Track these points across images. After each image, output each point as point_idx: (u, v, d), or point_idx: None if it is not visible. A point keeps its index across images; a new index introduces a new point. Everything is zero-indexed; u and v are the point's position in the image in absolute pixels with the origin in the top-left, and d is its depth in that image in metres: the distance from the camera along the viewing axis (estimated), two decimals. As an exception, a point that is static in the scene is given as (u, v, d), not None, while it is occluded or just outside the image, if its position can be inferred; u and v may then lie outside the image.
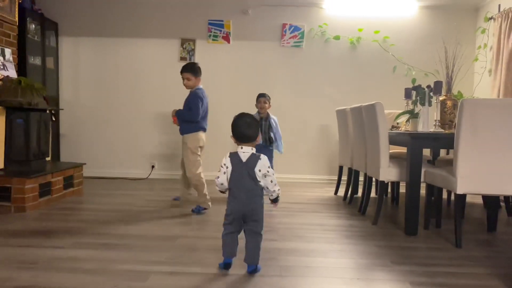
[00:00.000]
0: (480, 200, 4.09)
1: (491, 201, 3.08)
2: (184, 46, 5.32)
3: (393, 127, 3.66)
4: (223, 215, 2.13)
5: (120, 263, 2.20)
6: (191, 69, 3.35)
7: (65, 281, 1.95)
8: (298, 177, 5.33)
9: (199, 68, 3.41)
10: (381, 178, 3.17)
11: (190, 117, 3.34)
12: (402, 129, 3.48)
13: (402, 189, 3.98)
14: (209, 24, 5.29)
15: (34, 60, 4.77)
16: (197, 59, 5.27)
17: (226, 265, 2.12)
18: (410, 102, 3.57)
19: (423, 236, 2.89)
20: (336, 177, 4.67)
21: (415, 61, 5.21)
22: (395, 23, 5.26)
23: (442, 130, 3.19)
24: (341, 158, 4.47)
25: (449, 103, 3.33)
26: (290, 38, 5.29)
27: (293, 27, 5.28)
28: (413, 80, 5.06)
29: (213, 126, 4.99)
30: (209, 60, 5.28)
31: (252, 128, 2.09)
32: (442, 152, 4.35)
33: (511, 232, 3.10)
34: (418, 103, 3.39)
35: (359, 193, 4.08)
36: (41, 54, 4.91)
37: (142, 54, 5.36)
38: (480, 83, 5.05)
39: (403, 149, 3.70)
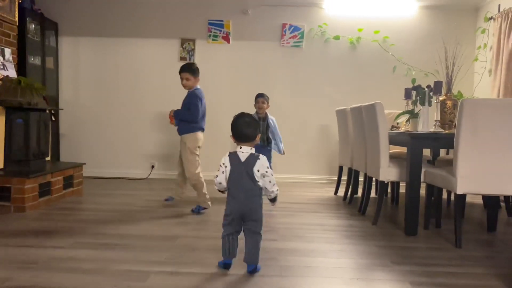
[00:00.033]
0: (480, 200, 4.09)
1: (491, 201, 3.08)
2: (184, 46, 5.32)
3: (393, 127, 3.66)
4: (223, 215, 2.13)
5: (120, 263, 2.19)
6: (190, 69, 3.36)
7: (65, 281, 1.95)
8: (298, 177, 5.33)
9: (197, 68, 3.42)
10: (381, 178, 3.17)
11: (190, 117, 3.34)
12: (402, 129, 3.48)
13: (402, 189, 3.98)
14: (209, 24, 5.29)
15: (34, 60, 4.76)
16: (197, 59, 5.28)
17: (226, 265, 2.12)
18: (410, 102, 3.57)
19: (423, 236, 2.89)
20: (336, 177, 4.67)
21: (415, 61, 5.21)
22: (395, 23, 5.26)
23: (442, 130, 3.19)
24: (341, 158, 4.47)
25: (449, 103, 3.33)
26: (290, 38, 5.29)
27: (293, 27, 5.27)
28: (413, 80, 5.06)
29: (213, 126, 5.00)
30: (209, 60, 5.28)
31: (251, 128, 2.09)
32: (442, 152, 4.35)
33: (511, 232, 3.10)
34: (418, 103, 3.39)
35: (359, 193, 4.08)
36: (41, 54, 4.91)
37: (142, 54, 5.36)
38: (480, 83, 5.05)
39: (403, 149, 3.70)
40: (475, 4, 5.14)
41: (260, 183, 2.07)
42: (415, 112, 3.31)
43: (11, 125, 3.55)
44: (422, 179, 2.98)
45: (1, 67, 3.80)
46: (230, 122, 2.14)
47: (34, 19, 4.74)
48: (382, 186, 3.22)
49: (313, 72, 5.33)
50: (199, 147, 3.42)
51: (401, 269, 2.20)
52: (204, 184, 3.42)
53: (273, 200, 2.19)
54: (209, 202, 3.46)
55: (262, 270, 2.12)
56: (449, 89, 3.40)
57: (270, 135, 4.09)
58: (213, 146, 5.09)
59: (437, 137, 2.96)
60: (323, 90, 5.33)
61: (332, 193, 4.52)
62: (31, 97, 3.59)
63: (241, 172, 2.05)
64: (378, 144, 3.16)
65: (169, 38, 5.31)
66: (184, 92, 3.47)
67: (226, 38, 5.30)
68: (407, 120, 3.40)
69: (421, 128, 3.19)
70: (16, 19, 4.19)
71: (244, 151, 2.08)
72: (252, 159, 2.06)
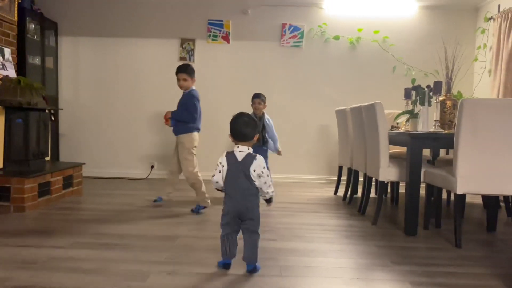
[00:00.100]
0: (480, 200, 4.09)
1: (490, 201, 3.08)
2: (183, 46, 5.32)
3: (392, 127, 3.66)
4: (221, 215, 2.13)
5: (120, 263, 2.19)
6: (188, 70, 3.38)
7: (64, 281, 1.95)
8: (298, 177, 5.33)
9: (193, 69, 3.45)
10: (381, 178, 3.17)
11: (188, 118, 3.37)
12: (402, 129, 3.48)
13: (402, 189, 3.98)
14: (209, 24, 5.29)
15: (34, 60, 4.76)
16: (197, 59, 5.28)
17: (225, 265, 2.12)
18: (409, 102, 3.57)
19: (422, 236, 2.89)
20: (335, 177, 4.67)
21: (415, 61, 5.21)
22: (394, 23, 5.26)
23: (442, 130, 3.19)
24: (341, 158, 4.47)
25: (448, 103, 3.33)
26: (289, 38, 5.29)
27: (292, 27, 5.27)
28: (413, 80, 5.06)
29: (212, 126, 5.01)
30: (209, 60, 5.29)
31: (249, 127, 2.09)
32: (442, 152, 4.35)
33: (511, 232, 3.10)
34: (417, 103, 3.39)
35: (359, 193, 4.08)
36: (41, 53, 4.91)
37: (142, 54, 5.35)
38: (480, 83, 5.05)
39: (403, 149, 3.70)
40: (475, 4, 5.14)
41: (256, 183, 2.07)
42: (415, 112, 3.31)
43: (11, 125, 3.55)
44: (422, 179, 2.97)
45: (1, 66, 3.79)
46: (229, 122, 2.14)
47: (34, 19, 4.74)
48: (382, 186, 3.22)
49: (313, 72, 5.33)
50: (195, 146, 3.45)
51: (401, 269, 2.20)
52: (202, 182, 3.44)
53: (268, 201, 2.19)
54: (209, 201, 3.47)
55: (261, 270, 2.12)
56: (448, 89, 3.40)
57: (266, 135, 4.07)
58: (213, 146, 5.10)
59: (437, 137, 2.96)
60: (323, 90, 5.32)
61: (331, 193, 4.52)
62: (31, 97, 3.58)
63: (238, 171, 2.05)
64: (378, 144, 3.16)
65: (169, 38, 5.31)
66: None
67: (226, 38, 5.30)
68: (407, 120, 3.40)
69: (421, 128, 3.19)
70: (16, 18, 4.19)
71: (242, 151, 2.08)
72: (249, 158, 2.06)
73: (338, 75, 5.33)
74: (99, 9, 5.32)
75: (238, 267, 2.12)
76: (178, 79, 3.39)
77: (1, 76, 3.68)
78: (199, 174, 3.44)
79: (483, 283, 2.05)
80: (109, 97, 5.38)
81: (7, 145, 3.55)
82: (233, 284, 1.95)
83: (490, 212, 3.07)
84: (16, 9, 4.19)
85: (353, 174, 4.10)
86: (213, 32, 5.29)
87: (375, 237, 2.82)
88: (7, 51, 3.98)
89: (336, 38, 5.25)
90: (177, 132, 3.44)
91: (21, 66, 4.42)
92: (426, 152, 4.17)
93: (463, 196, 3.34)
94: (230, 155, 2.09)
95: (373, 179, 3.84)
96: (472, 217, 3.56)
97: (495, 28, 4.67)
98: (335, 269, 2.20)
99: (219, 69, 5.31)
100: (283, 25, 5.28)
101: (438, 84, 3.15)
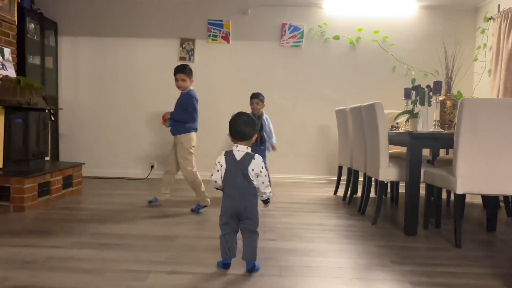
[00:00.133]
0: (479, 200, 4.09)
1: (490, 201, 3.08)
2: (183, 46, 5.31)
3: (392, 127, 3.66)
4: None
5: (119, 263, 2.19)
6: (186, 71, 3.40)
7: (64, 281, 1.95)
8: (298, 177, 5.33)
9: (191, 69, 3.46)
10: (381, 178, 3.17)
11: (187, 118, 3.39)
12: (402, 129, 3.48)
13: (402, 189, 3.98)
14: (209, 24, 5.29)
15: (33, 60, 4.76)
16: (197, 59, 5.28)
17: (225, 265, 2.12)
18: (409, 102, 3.57)
19: (422, 236, 2.89)
20: (335, 177, 4.67)
21: (415, 61, 5.21)
22: (394, 23, 5.26)
23: (442, 130, 3.19)
24: (341, 158, 4.47)
25: (448, 103, 3.33)
26: (289, 38, 5.29)
27: (292, 27, 5.27)
28: (413, 80, 5.06)
29: (212, 125, 5.01)
30: (209, 60, 5.28)
31: (249, 127, 2.09)
32: (442, 152, 4.35)
33: (510, 232, 3.10)
34: (417, 103, 3.39)
35: (359, 193, 4.08)
36: (40, 53, 4.90)
37: (142, 54, 5.35)
38: (480, 83, 5.05)
39: (403, 149, 3.70)
40: (475, 4, 5.14)
41: (254, 183, 2.07)
42: (414, 112, 3.31)
43: (10, 125, 3.55)
44: (421, 179, 2.97)
45: (1, 66, 3.79)
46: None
47: (34, 19, 4.73)
48: (381, 186, 3.22)
49: (312, 72, 5.33)
50: (193, 146, 3.47)
51: (400, 269, 2.20)
52: (201, 181, 3.45)
53: (265, 202, 2.18)
54: (208, 200, 3.48)
55: (261, 269, 2.12)
56: (448, 89, 3.40)
57: (264, 135, 4.06)
58: (213, 146, 5.10)
59: (436, 137, 2.96)
60: (323, 90, 5.32)
61: (331, 193, 4.52)
62: (31, 96, 3.58)
63: (236, 171, 2.05)
64: (377, 144, 3.16)
65: (169, 38, 5.31)
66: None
67: (226, 38, 5.29)
68: (407, 120, 3.40)
69: (420, 128, 3.19)
70: (16, 18, 4.19)
71: (240, 150, 2.08)
72: (248, 158, 2.06)
73: (338, 75, 5.33)
74: (99, 9, 5.31)
75: (237, 267, 2.12)
76: (177, 79, 3.40)
77: (1, 76, 3.68)
78: (198, 173, 3.45)
79: (483, 283, 2.05)
80: (109, 97, 5.38)
81: (7, 145, 3.55)
82: (232, 284, 1.95)
83: (490, 212, 3.07)
84: (16, 9, 4.19)
85: (353, 174, 4.10)
86: (213, 32, 5.29)
87: (375, 237, 2.81)
88: (7, 51, 3.97)
89: (336, 38, 5.25)
90: (175, 132, 3.46)
91: (20, 66, 4.42)
92: (426, 152, 4.17)
93: (463, 196, 3.34)
94: (229, 155, 2.09)
95: (373, 179, 3.84)
96: (472, 217, 3.55)
97: (495, 28, 4.67)
98: (335, 269, 2.20)
99: (219, 69, 5.31)
100: (283, 25, 5.28)
101: (438, 84, 3.15)
